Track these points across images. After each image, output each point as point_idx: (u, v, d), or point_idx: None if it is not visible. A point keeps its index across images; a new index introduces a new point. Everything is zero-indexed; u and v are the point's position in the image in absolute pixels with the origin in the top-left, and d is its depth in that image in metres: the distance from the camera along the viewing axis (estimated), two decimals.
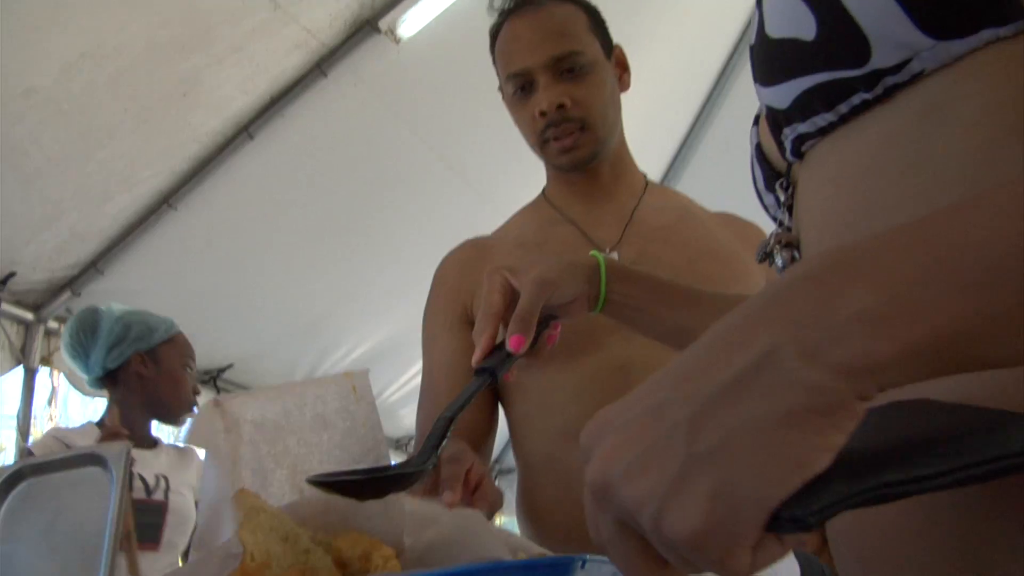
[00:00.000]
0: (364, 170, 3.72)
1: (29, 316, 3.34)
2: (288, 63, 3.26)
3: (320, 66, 3.32)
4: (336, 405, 0.85)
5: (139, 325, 2.44)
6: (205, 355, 3.96)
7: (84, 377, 2.47)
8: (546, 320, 1.00)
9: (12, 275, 3.16)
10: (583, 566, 0.60)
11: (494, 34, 1.54)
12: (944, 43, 0.54)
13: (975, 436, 0.41)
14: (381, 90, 3.52)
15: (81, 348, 2.39)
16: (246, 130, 3.34)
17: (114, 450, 1.02)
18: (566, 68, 1.45)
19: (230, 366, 3.98)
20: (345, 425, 0.85)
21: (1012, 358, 0.41)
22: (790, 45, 0.61)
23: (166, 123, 3.14)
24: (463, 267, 1.55)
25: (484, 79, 3.49)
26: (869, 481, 0.40)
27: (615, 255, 1.50)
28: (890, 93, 0.57)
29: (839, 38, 0.57)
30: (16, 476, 1.05)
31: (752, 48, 0.68)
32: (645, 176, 1.61)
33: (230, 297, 3.71)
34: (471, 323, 1.49)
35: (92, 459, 1.02)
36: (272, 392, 0.80)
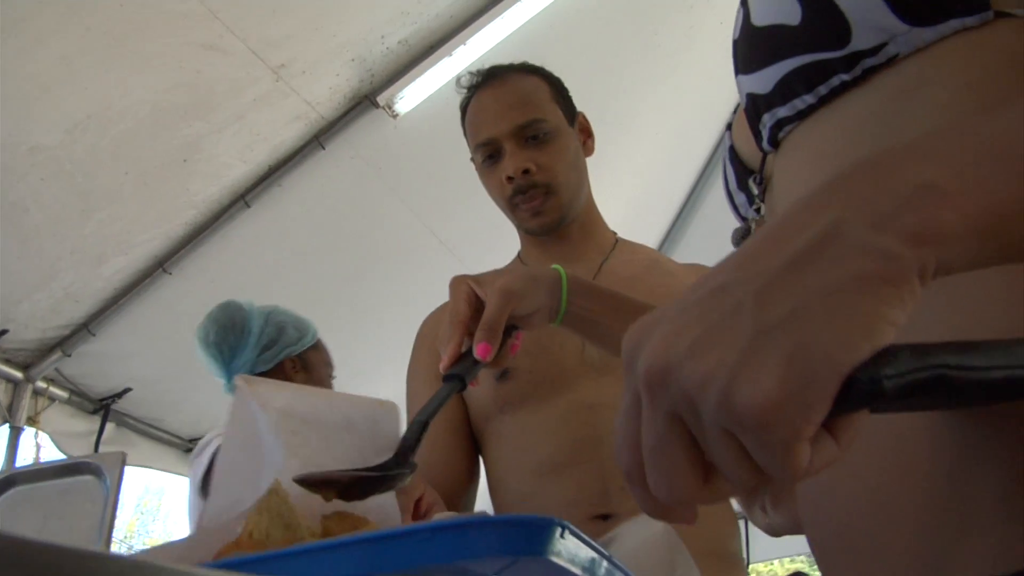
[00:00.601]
0: (357, 242, 3.77)
1: (18, 375, 3.34)
2: (287, 134, 3.34)
3: (318, 138, 3.40)
4: (365, 413, 0.88)
5: (291, 327, 2.25)
6: (190, 422, 3.96)
7: (222, 382, 2.27)
8: (508, 330, 1.04)
9: (4, 332, 3.18)
10: (563, 534, 0.60)
11: (463, 108, 1.61)
12: (918, 29, 0.59)
13: (1015, 348, 0.42)
14: (377, 163, 3.59)
15: (228, 347, 2.20)
16: (243, 198, 3.40)
17: (111, 459, 1.03)
18: (530, 135, 1.51)
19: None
20: (369, 431, 0.88)
21: None
22: (775, 31, 0.66)
23: (165, 188, 3.20)
24: (439, 326, 1.58)
25: None
26: (932, 359, 0.40)
27: None
28: (867, 75, 0.62)
29: (823, 22, 0.63)
30: (7, 482, 1.07)
31: (736, 42, 0.73)
32: (615, 234, 1.67)
33: None
34: (458, 406, 1.54)
35: (87, 468, 1.04)
36: (305, 390, 0.83)
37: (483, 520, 0.55)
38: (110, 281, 3.34)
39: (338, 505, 0.81)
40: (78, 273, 3.22)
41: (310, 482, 0.75)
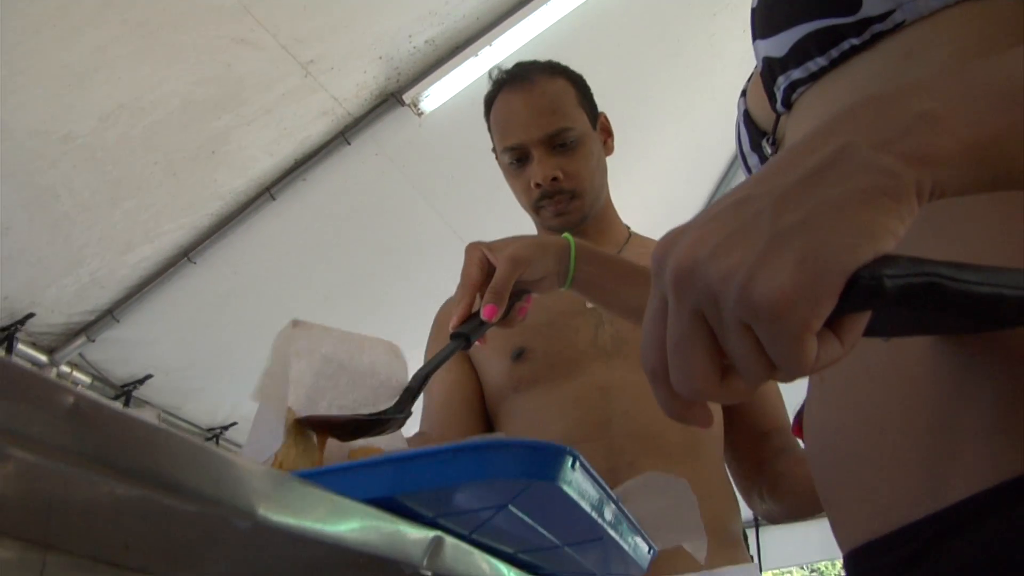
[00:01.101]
0: (379, 237, 3.82)
1: (43, 359, 3.40)
2: (314, 129, 3.39)
3: (344, 134, 3.45)
4: (384, 359, 0.93)
5: None
6: (208, 412, 4.01)
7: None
8: (519, 294, 1.09)
9: (31, 316, 3.24)
10: (574, 464, 0.64)
11: (489, 102, 1.67)
12: None
13: (1003, 272, 0.47)
14: (400, 160, 3.64)
15: None
16: (268, 191, 3.45)
17: None
18: (558, 143, 1.58)
19: (233, 424, 4.02)
20: (386, 376, 0.93)
21: None
22: None
23: (193, 179, 3.25)
24: None
25: None
26: (928, 267, 0.45)
27: None
28: (875, 40, 0.67)
29: None
30: None
31: (754, 9, 0.78)
32: (628, 228, 1.74)
33: (241, 354, 3.76)
34: (466, 357, 1.60)
35: None
36: (345, 337, 0.87)
37: (501, 442, 0.59)
38: (135, 269, 3.40)
39: (365, 442, 0.86)
40: (104, 260, 3.28)
41: (312, 422, 0.80)
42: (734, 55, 3.97)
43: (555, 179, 1.57)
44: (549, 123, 1.58)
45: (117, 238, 3.25)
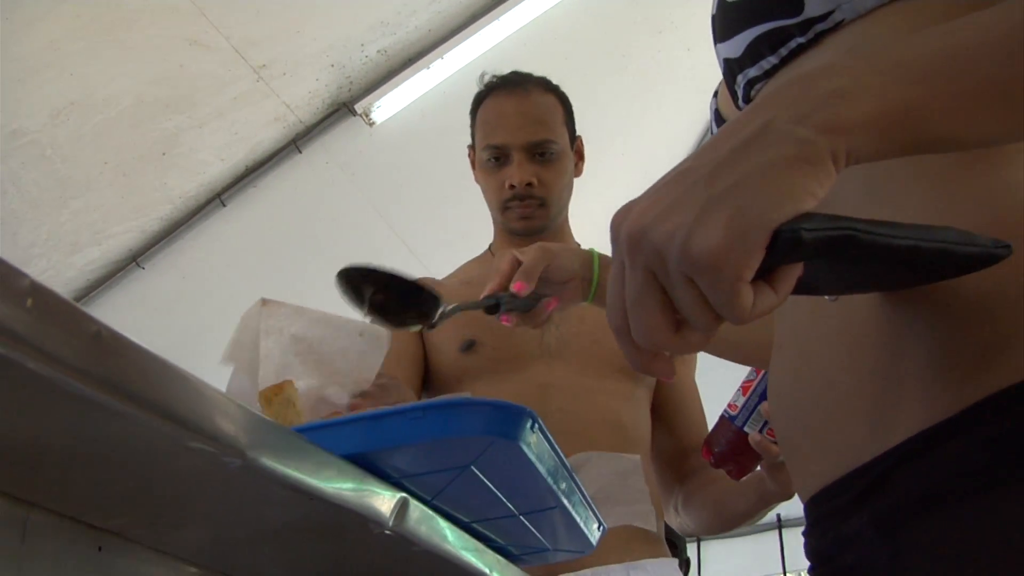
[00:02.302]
0: (327, 245, 3.83)
1: None
2: (265, 135, 3.40)
3: (296, 142, 3.46)
4: (359, 346, 0.97)
5: None
6: None
7: None
8: (544, 296, 1.15)
9: None
10: (533, 427, 0.68)
11: (479, 100, 1.77)
12: None
13: (922, 228, 0.55)
14: (351, 170, 3.66)
15: None
16: (219, 197, 3.45)
17: None
18: (539, 152, 1.69)
19: None
20: (357, 362, 0.96)
21: (950, 140, 0.56)
22: (743, 4, 0.79)
23: (143, 181, 3.24)
24: None
25: (450, 168, 3.67)
26: (845, 222, 0.52)
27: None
28: (819, 38, 0.75)
29: None
30: None
31: (713, 17, 0.86)
32: (579, 245, 1.82)
33: (189, 360, 3.69)
34: (420, 342, 1.66)
35: None
36: (317, 317, 0.91)
37: (468, 401, 0.64)
38: (83, 271, 3.37)
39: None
40: (51, 261, 3.25)
41: (352, 274, 0.85)
42: (679, 72, 4.07)
43: (529, 184, 1.68)
44: (536, 132, 1.69)
45: (64, 239, 3.22)
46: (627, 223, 0.55)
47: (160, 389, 0.44)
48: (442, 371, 1.66)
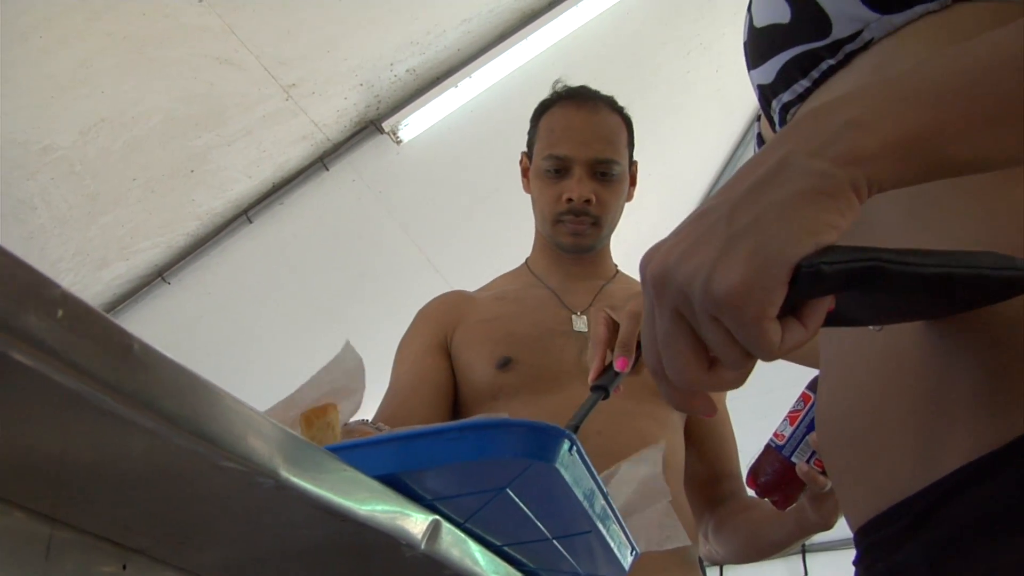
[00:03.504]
0: (352, 262, 3.84)
1: None
2: (293, 153, 3.41)
3: (323, 159, 3.47)
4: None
5: None
6: None
7: None
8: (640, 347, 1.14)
9: None
10: (571, 449, 0.67)
11: (544, 107, 1.76)
12: (887, 16, 0.71)
13: (957, 254, 0.54)
14: (377, 187, 3.67)
15: None
16: (245, 213, 3.46)
17: None
18: (601, 171, 1.67)
19: None
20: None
21: (971, 162, 0.55)
22: (772, 29, 0.78)
23: (170, 197, 3.26)
24: (448, 306, 1.72)
25: (475, 187, 3.68)
26: (870, 253, 0.51)
27: (584, 319, 1.66)
28: (848, 59, 0.74)
29: (808, 18, 0.75)
30: None
31: (745, 44, 0.85)
32: (617, 266, 1.82)
33: (213, 377, 3.73)
34: (446, 353, 1.63)
35: None
36: None
37: (505, 422, 0.62)
38: (109, 286, 3.39)
39: None
40: (78, 275, 3.27)
41: None
42: (705, 92, 4.06)
43: (588, 201, 1.65)
44: (602, 150, 1.67)
45: (92, 254, 3.24)
46: (652, 264, 0.56)
47: (194, 406, 0.43)
48: (477, 388, 1.62)
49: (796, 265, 0.50)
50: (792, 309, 0.52)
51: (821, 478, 1.34)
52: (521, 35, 3.45)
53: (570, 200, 1.66)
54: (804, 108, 0.79)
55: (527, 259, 1.83)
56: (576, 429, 0.98)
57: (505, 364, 1.57)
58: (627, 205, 1.80)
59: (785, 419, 1.40)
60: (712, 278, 0.51)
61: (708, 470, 1.71)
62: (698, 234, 0.54)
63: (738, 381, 0.55)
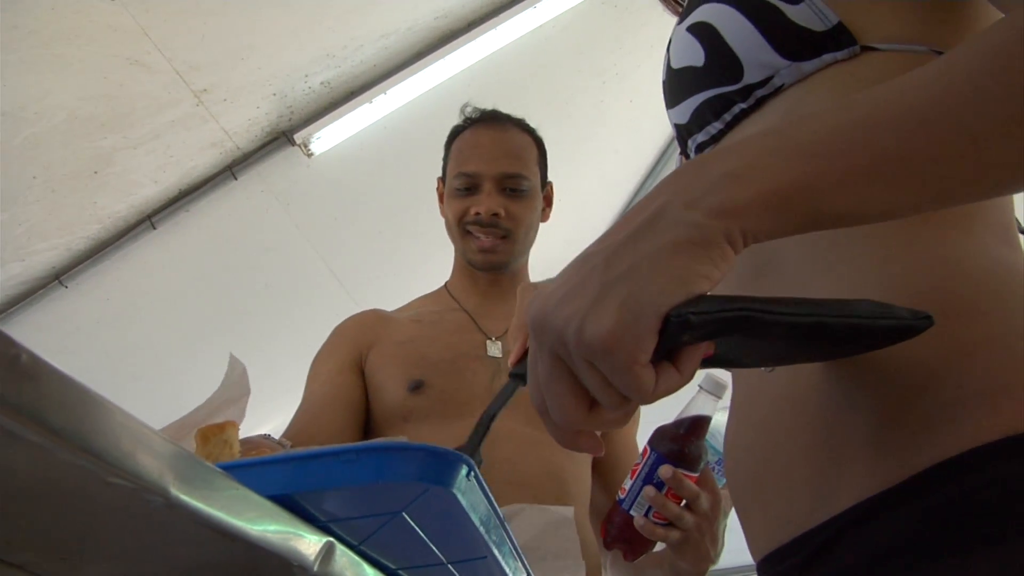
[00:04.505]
0: (257, 273, 3.78)
1: None
2: (201, 160, 3.35)
3: (231, 168, 3.41)
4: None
5: None
6: None
7: None
8: None
9: None
10: (469, 475, 0.66)
11: (456, 132, 1.79)
12: (797, 63, 0.73)
13: (830, 303, 0.56)
14: (286, 199, 3.62)
15: None
16: (150, 219, 3.38)
17: None
18: (510, 187, 1.70)
19: None
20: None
21: (846, 215, 0.56)
22: (687, 72, 0.80)
23: (72, 198, 3.16)
24: (365, 326, 1.71)
25: (385, 204, 3.65)
26: (739, 303, 0.53)
27: (499, 344, 1.66)
28: (760, 103, 0.76)
29: (721, 62, 0.77)
30: None
31: (663, 83, 0.87)
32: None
33: (108, 384, 3.65)
34: (360, 372, 1.62)
35: None
36: None
37: (403, 445, 0.61)
38: (3, 287, 3.27)
39: None
40: None
41: None
42: (621, 121, 4.11)
43: (496, 214, 1.67)
44: (510, 165, 1.70)
45: None
46: (532, 308, 0.57)
47: (82, 420, 0.42)
48: (388, 409, 1.61)
49: (666, 314, 0.52)
50: (668, 354, 0.54)
51: (660, 530, 1.34)
52: (438, 55, 3.45)
53: (478, 214, 1.68)
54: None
55: (446, 282, 1.84)
56: (493, 417, 0.97)
57: (417, 387, 1.57)
58: (542, 226, 1.82)
59: (629, 473, 1.41)
60: (585, 325, 0.53)
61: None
62: (576, 281, 0.56)
63: (620, 421, 0.57)
